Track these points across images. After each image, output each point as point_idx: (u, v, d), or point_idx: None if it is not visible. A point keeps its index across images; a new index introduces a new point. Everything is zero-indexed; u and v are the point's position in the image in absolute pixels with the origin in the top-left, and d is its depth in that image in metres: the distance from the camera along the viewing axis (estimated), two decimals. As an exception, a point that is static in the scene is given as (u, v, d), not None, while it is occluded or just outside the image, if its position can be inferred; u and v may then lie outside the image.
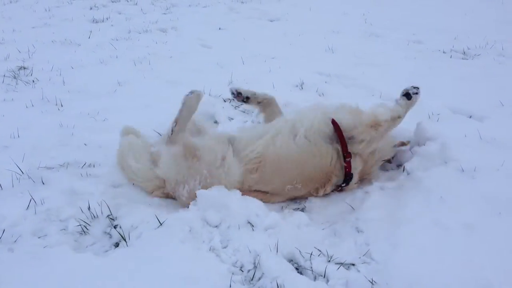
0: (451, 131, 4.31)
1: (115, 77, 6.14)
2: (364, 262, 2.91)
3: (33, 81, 6.06)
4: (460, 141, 4.03)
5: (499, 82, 5.69)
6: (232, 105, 5.41)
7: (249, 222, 3.21)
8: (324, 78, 6.19)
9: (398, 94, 3.97)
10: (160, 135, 4.58)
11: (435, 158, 3.69)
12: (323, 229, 3.34)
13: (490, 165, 3.55)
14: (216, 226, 3.17)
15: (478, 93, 5.30)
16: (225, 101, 5.49)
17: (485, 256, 2.75)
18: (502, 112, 4.76)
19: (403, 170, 3.78)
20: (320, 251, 3.02)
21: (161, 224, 3.10)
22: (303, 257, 2.98)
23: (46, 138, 4.38)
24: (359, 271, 2.83)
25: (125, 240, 2.97)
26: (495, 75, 5.99)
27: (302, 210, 3.60)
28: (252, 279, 2.75)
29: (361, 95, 5.56)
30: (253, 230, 3.15)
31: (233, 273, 2.77)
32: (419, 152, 3.86)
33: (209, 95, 5.56)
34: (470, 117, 4.75)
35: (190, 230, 3.08)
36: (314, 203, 3.67)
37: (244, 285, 2.70)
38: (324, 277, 2.81)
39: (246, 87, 4.27)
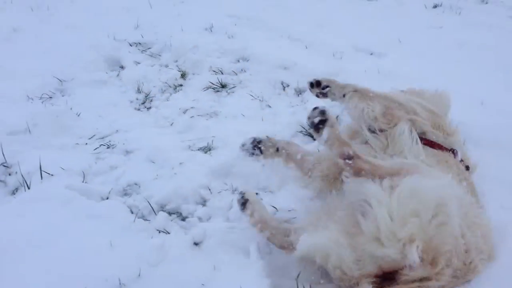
0: (353, 67, 4.52)
1: (10, 23, 5.66)
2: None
3: None
4: (360, 75, 4.24)
5: (397, 21, 5.95)
6: (138, 49, 5.23)
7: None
8: (233, 21, 6.12)
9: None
10: (60, 80, 4.36)
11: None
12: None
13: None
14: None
15: (379, 32, 5.52)
16: (131, 45, 5.28)
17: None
18: (399, 48, 5.03)
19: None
20: (226, 184, 3.10)
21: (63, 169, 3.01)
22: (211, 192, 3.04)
23: None
24: (262, 199, 2.94)
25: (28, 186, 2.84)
26: (394, 15, 6.25)
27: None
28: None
29: (270, 37, 5.60)
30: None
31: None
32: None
33: (114, 39, 5.33)
34: (371, 54, 4.96)
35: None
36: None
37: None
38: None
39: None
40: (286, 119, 3.85)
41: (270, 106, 4.14)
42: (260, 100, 4.22)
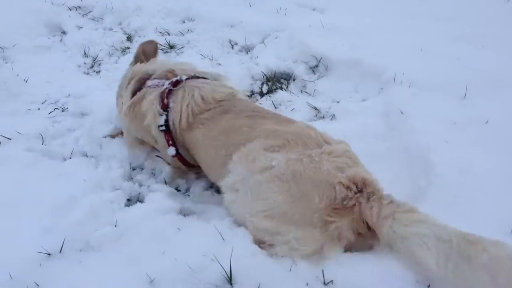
0: (297, 23, 4.65)
1: None
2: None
3: None
4: (306, 30, 4.38)
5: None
6: (79, 13, 5.07)
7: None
8: None
9: None
10: (2, 48, 4.18)
11: (286, 43, 4.17)
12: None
13: (334, 44, 3.95)
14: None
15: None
16: (70, 9, 5.11)
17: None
18: (339, 3, 5.19)
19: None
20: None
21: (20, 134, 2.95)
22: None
23: None
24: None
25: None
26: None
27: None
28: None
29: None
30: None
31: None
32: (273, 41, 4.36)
33: (52, 4, 5.14)
34: (314, 9, 5.10)
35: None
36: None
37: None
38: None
39: None
40: (239, 74, 3.92)
41: (220, 64, 4.21)
42: (210, 59, 4.28)
